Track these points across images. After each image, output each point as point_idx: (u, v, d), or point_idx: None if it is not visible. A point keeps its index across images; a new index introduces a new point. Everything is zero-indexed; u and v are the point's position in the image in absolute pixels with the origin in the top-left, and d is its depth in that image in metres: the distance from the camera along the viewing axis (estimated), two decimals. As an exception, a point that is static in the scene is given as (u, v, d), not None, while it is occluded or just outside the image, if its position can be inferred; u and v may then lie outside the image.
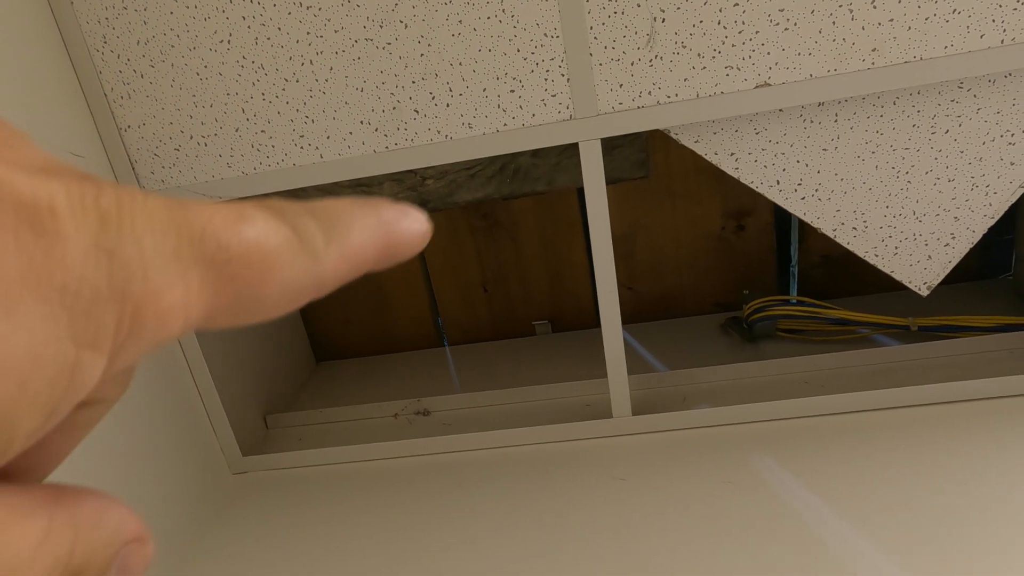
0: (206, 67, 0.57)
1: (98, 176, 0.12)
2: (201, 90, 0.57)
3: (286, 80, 0.56)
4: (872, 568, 0.46)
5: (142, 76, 0.58)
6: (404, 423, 0.74)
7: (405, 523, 0.59)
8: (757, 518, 0.52)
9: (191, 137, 0.59)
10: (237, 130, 0.58)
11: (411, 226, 0.17)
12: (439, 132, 0.57)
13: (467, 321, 0.92)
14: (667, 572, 0.49)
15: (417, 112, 0.56)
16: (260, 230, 0.13)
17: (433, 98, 0.56)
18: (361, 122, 0.57)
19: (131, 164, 0.60)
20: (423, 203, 0.63)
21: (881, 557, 0.46)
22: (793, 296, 0.81)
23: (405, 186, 0.61)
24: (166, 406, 0.64)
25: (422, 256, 0.88)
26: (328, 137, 0.58)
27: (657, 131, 0.58)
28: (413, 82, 0.56)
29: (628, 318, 0.89)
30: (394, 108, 0.56)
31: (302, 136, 0.58)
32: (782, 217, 0.84)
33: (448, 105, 0.56)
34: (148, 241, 0.12)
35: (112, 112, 0.59)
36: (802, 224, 0.83)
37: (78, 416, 0.14)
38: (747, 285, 0.86)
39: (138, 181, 0.61)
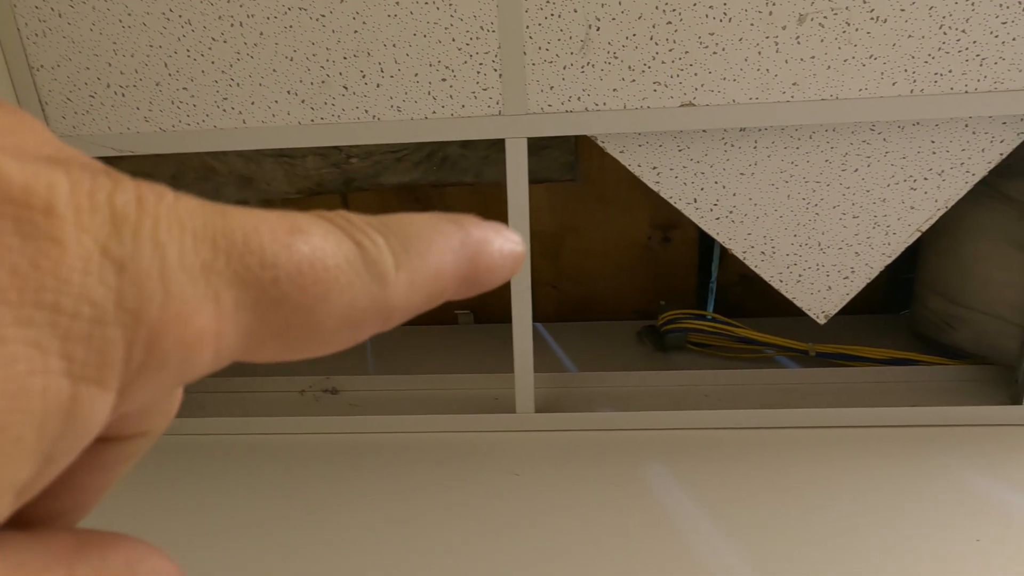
0: (130, 15, 0.54)
1: (120, 173, 0.10)
2: (123, 38, 0.55)
3: (213, 39, 0.55)
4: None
5: (60, 15, 0.55)
6: (311, 400, 0.74)
7: (296, 502, 0.59)
8: (634, 521, 0.53)
9: (108, 85, 0.57)
10: (158, 84, 0.56)
11: (503, 247, 0.14)
12: (367, 112, 0.56)
13: (391, 303, 0.91)
14: (537, 565, 0.50)
15: (346, 89, 0.56)
16: (317, 245, 0.11)
17: (364, 76, 0.55)
18: (288, 92, 0.56)
19: (41, 106, 0.58)
20: (348, 181, 0.62)
21: (744, 567, 0.49)
22: (709, 312, 0.83)
23: (329, 162, 0.60)
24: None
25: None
26: (253, 103, 0.57)
27: (587, 136, 0.58)
28: (344, 58, 0.55)
29: (550, 316, 0.90)
30: (323, 82, 0.56)
31: (225, 99, 0.57)
32: (707, 234, 0.86)
33: (378, 85, 0.55)
34: (173, 252, 0.10)
35: (24, 49, 0.56)
36: (725, 242, 0.86)
37: (112, 452, 0.12)
38: (668, 296, 0.88)
39: (47, 124, 0.58)
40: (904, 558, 0.49)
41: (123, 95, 0.57)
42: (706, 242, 0.87)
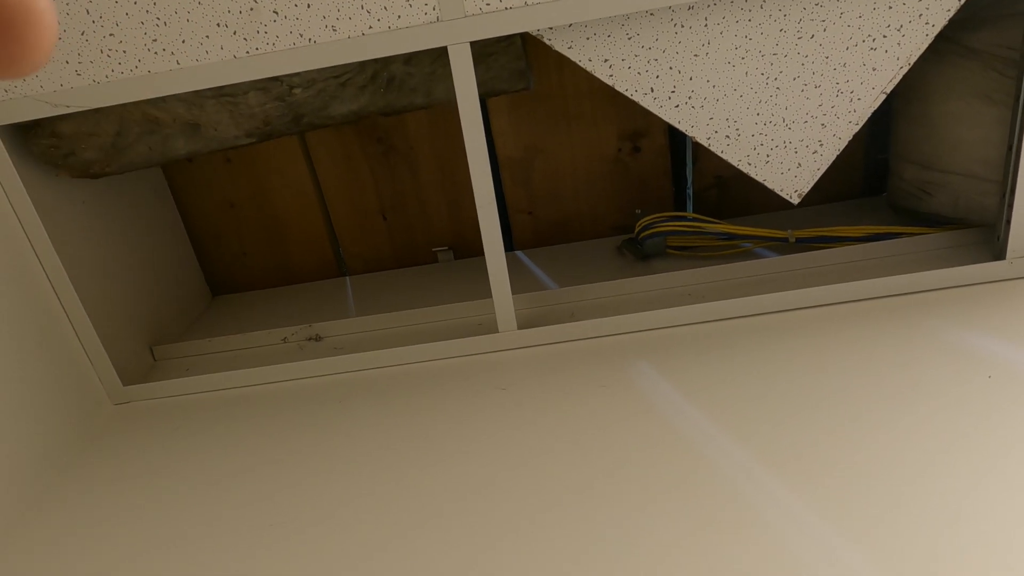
0: (41, -38, 0.52)
1: None
2: (38, -12, 0.53)
3: (131, -23, 0.53)
4: (723, 453, 0.48)
5: (-30, -28, 0.53)
6: (295, 348, 0.73)
7: (289, 447, 0.58)
8: (622, 416, 0.53)
9: (33, 41, 0.55)
10: (83, 33, 0.54)
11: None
12: (302, 35, 0.54)
13: (367, 251, 0.90)
14: (528, 466, 0.50)
15: (276, 13, 0.54)
16: None
17: (292, -2, 0.53)
18: (217, 24, 0.54)
19: (-32, 72, 0.56)
20: (297, 118, 0.61)
21: (733, 444, 0.48)
22: (689, 213, 0.82)
23: (272, 95, 0.58)
24: (31, 331, 0.61)
25: (317, 184, 0.85)
26: (183, 41, 0.55)
27: (542, 46, 0.56)
28: (270, -20, 0.53)
29: (529, 243, 0.89)
30: (251, 9, 0.53)
31: (155, 40, 0.55)
32: (677, 138, 0.84)
33: (309, 6, 0.53)
34: None
35: (-60, 13, 0.54)
36: (696, 145, 0.84)
37: None
38: (644, 207, 0.87)
39: (-22, 91, 0.56)
40: (903, 416, 0.49)
41: (49, 49, 0.55)
42: (678, 147, 0.85)
